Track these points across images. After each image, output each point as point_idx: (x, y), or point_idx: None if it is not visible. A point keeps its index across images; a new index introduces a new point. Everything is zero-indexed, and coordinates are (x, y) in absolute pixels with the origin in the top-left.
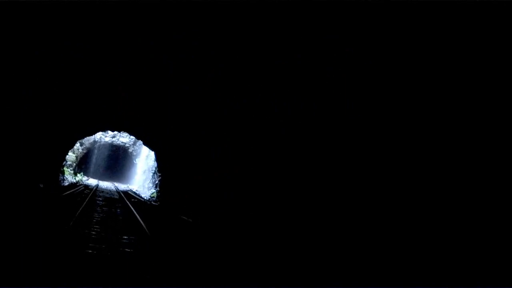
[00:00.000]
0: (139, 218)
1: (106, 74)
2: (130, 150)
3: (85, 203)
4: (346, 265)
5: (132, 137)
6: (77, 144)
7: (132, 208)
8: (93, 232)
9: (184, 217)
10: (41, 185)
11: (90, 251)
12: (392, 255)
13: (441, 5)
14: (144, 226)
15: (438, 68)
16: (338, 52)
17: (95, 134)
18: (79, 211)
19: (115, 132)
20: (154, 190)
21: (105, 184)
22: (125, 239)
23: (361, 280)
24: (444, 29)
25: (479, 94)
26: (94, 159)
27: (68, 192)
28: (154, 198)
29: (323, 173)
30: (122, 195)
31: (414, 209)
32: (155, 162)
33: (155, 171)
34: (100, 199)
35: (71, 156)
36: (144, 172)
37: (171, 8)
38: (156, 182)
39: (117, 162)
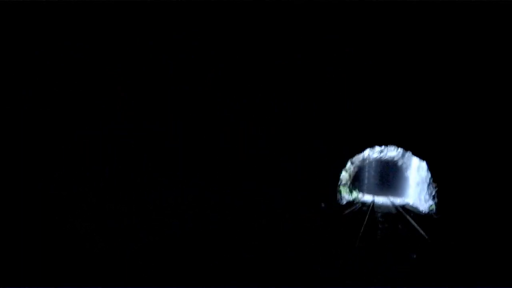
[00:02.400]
0: (422, 233)
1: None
2: (399, 163)
3: (365, 221)
4: None
5: (399, 150)
6: (349, 164)
7: (414, 223)
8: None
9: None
10: (323, 204)
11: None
12: None
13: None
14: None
15: None
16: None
17: (364, 152)
18: (362, 230)
19: (382, 147)
20: (432, 202)
21: (380, 200)
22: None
23: None
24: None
25: None
26: (365, 176)
27: (348, 210)
28: (433, 211)
29: None
30: (400, 209)
31: None
32: (428, 173)
33: (429, 182)
34: (379, 215)
35: (344, 176)
36: (418, 184)
37: None
38: (433, 193)
39: (388, 176)
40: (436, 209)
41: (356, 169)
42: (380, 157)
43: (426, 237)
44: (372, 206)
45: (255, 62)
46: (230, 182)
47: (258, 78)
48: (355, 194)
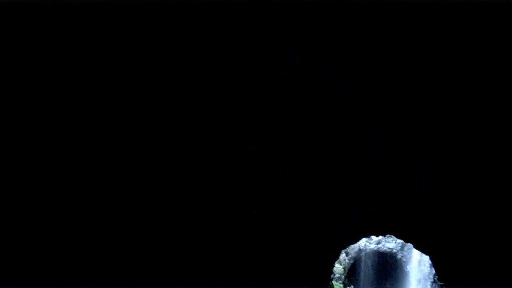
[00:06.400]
0: None
1: None
2: (398, 256)
3: None
4: None
5: (398, 241)
6: (343, 254)
7: None
8: None
9: None
10: None
11: None
12: None
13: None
14: None
15: None
16: None
17: (359, 242)
18: None
19: (380, 238)
20: None
21: None
22: None
23: None
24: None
25: None
26: (362, 269)
27: None
28: None
29: None
30: None
31: None
32: (431, 269)
33: (433, 279)
34: None
35: (338, 268)
36: (419, 281)
37: None
38: None
39: (385, 270)
40: None
41: (351, 261)
42: (378, 248)
43: None
44: None
45: None
46: None
47: None
48: None
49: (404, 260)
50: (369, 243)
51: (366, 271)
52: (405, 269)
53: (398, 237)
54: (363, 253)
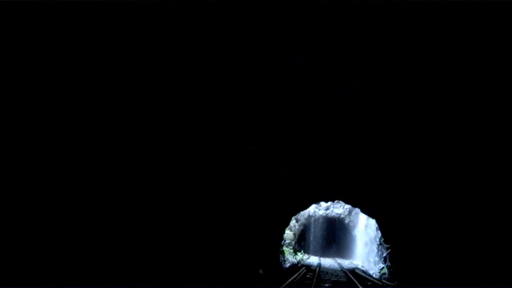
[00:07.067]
0: None
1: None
2: (346, 221)
3: None
4: None
5: (346, 207)
6: (293, 221)
7: None
8: None
9: None
10: (260, 271)
11: None
12: None
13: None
14: None
15: None
16: None
17: (309, 208)
18: None
19: (329, 204)
20: (383, 265)
21: (327, 262)
22: None
23: None
24: None
25: None
26: (311, 235)
27: (290, 279)
28: (385, 276)
29: None
30: (350, 275)
31: None
32: (377, 232)
33: (380, 242)
34: (327, 285)
35: (289, 234)
36: (366, 244)
37: None
38: (384, 255)
39: (334, 235)
40: (389, 273)
41: (301, 227)
42: (327, 214)
43: None
44: (318, 271)
45: None
46: None
47: None
48: (300, 255)
49: (352, 224)
50: (318, 210)
51: (314, 237)
52: (352, 233)
53: (346, 202)
54: (312, 219)
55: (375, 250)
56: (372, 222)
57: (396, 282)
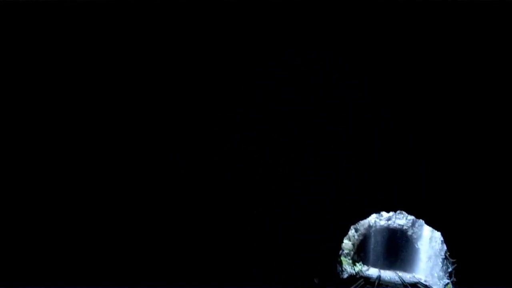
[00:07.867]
0: None
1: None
2: (409, 232)
3: None
4: None
5: (409, 218)
6: (352, 231)
7: None
8: None
9: None
10: (316, 280)
11: None
12: None
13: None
14: None
15: None
16: None
17: (369, 218)
18: None
19: (391, 214)
20: (448, 281)
21: (387, 274)
22: None
23: None
24: None
25: None
26: (371, 245)
27: None
28: None
29: None
30: None
31: None
32: (442, 245)
33: (445, 255)
34: None
35: (347, 244)
36: (430, 258)
37: None
38: (450, 270)
39: (396, 247)
40: None
41: (361, 237)
42: (388, 225)
43: None
44: (378, 284)
45: None
46: None
47: None
48: (359, 266)
49: (415, 236)
50: (379, 220)
51: (374, 247)
52: (416, 246)
53: (409, 213)
54: (372, 229)
55: (440, 264)
56: (437, 235)
57: None
